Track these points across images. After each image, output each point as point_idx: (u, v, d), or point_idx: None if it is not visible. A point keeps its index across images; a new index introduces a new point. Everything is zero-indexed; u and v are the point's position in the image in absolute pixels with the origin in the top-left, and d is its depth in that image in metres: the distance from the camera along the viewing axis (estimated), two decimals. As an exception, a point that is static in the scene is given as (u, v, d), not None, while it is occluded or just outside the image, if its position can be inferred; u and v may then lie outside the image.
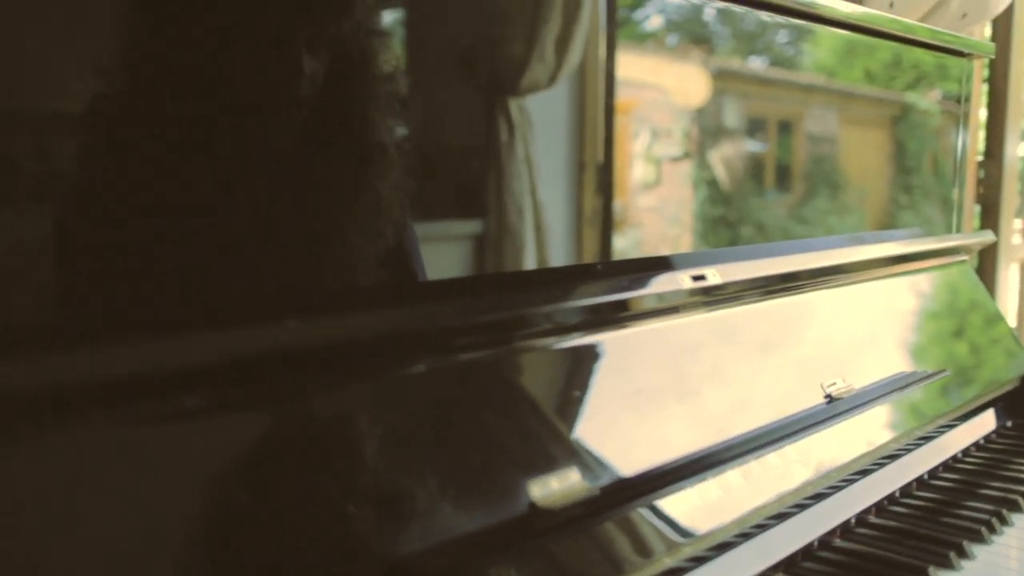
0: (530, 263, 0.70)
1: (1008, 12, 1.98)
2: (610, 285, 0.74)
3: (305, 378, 0.53)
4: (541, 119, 0.70)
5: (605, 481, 0.65)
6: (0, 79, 0.44)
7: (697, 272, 0.80)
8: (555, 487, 0.62)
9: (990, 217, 2.10)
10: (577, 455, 0.66)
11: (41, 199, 0.47)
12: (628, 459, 0.68)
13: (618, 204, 0.78)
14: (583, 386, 0.70)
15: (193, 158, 0.51)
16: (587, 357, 0.71)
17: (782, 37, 0.98)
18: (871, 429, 0.93)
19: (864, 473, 0.91)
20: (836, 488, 0.87)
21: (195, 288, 0.51)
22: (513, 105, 0.68)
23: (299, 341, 0.53)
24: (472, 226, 0.67)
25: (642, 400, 0.73)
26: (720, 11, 0.87)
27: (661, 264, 0.81)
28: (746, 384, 0.84)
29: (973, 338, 1.23)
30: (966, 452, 1.11)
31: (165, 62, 0.51)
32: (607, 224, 0.77)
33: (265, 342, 0.52)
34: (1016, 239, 2.30)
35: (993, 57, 1.37)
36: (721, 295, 0.85)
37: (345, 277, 0.59)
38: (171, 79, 0.51)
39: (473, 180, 0.67)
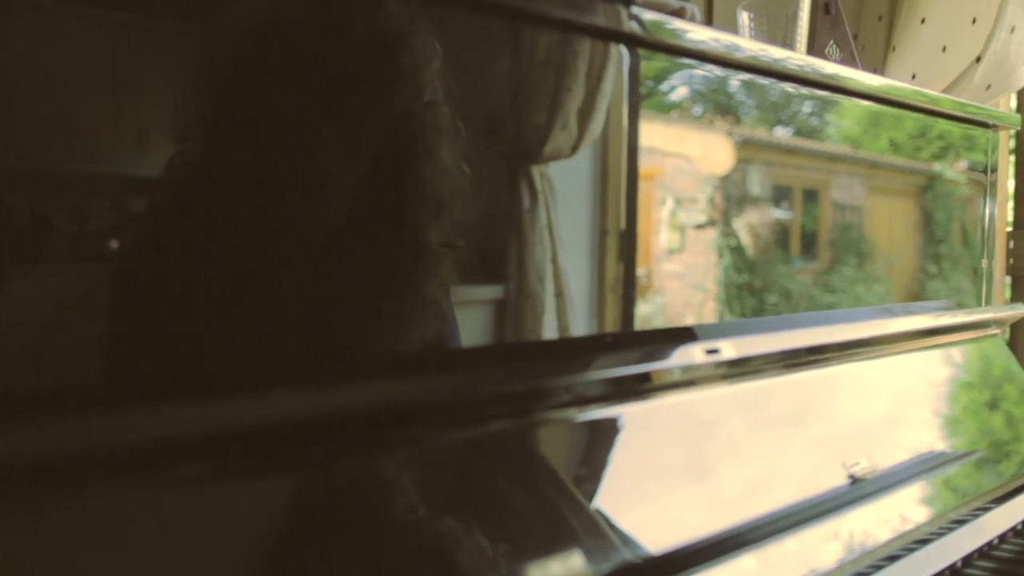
0: (550, 330, 0.68)
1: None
2: (622, 358, 0.71)
3: (314, 450, 0.52)
4: (564, 186, 0.69)
5: (610, 567, 0.61)
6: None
7: (711, 346, 0.76)
8: (554, 572, 0.58)
9: (1021, 288, 2.03)
10: (583, 537, 0.61)
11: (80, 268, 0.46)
12: (635, 542, 0.64)
13: (640, 271, 0.75)
14: (588, 463, 0.66)
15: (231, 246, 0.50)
16: (596, 432, 0.68)
17: (808, 107, 0.95)
18: (898, 512, 0.87)
19: (892, 559, 0.84)
20: (862, 575, 0.80)
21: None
22: (536, 173, 0.67)
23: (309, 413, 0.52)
24: (494, 291, 0.65)
25: (652, 478, 0.69)
26: (745, 82, 0.84)
27: (674, 336, 0.77)
28: (764, 463, 0.78)
29: (1007, 415, 1.17)
30: (1003, 537, 1.03)
31: (209, 149, 0.50)
32: (628, 291, 0.74)
33: (298, 412, 0.51)
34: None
35: (1020, 128, 1.35)
36: (739, 369, 0.81)
37: (381, 347, 0.58)
38: (216, 164, 0.50)
39: (496, 246, 0.66)
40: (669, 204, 0.79)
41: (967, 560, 0.95)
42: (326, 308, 0.55)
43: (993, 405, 1.16)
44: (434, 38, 0.59)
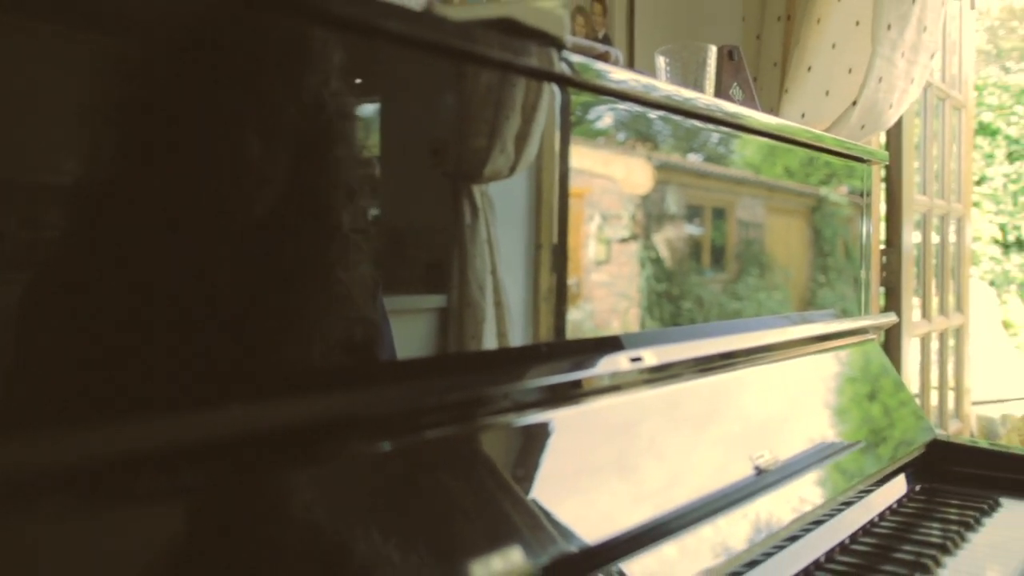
0: (490, 336, 0.68)
1: (898, 125, 2.06)
2: (555, 367, 0.72)
3: (258, 461, 0.49)
4: (502, 204, 0.70)
5: (547, 559, 0.62)
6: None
7: (635, 354, 0.78)
8: (498, 567, 0.58)
9: (893, 298, 2.13)
10: (519, 534, 0.62)
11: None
12: (569, 536, 0.65)
13: (571, 281, 0.77)
14: (524, 465, 0.67)
15: (151, 241, 0.48)
16: (527, 436, 0.68)
17: (714, 138, 0.99)
18: (797, 497, 0.90)
19: (793, 539, 0.87)
20: (768, 555, 0.83)
21: (156, 371, 0.47)
22: (477, 192, 0.68)
23: (251, 423, 0.49)
24: (438, 300, 0.66)
25: (583, 477, 0.70)
26: (660, 116, 0.88)
27: (602, 345, 0.79)
28: (682, 458, 0.81)
29: (885, 410, 1.22)
30: (882, 516, 1.07)
31: (125, 147, 0.47)
32: (560, 300, 0.75)
33: (224, 425, 0.47)
34: (916, 316, 2.34)
35: (887, 163, 1.43)
36: (660, 374, 0.83)
37: (311, 359, 0.56)
38: (133, 163, 0.47)
39: (440, 259, 0.66)
40: (596, 221, 0.81)
41: (854, 537, 0.99)
42: (240, 312, 0.52)
43: (873, 398, 1.21)
44: (371, 62, 0.60)
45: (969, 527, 1.05)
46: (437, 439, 0.61)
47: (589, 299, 0.79)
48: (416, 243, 0.65)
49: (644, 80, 0.85)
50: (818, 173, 1.23)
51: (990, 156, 7.87)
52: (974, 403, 2.96)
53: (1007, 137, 8.03)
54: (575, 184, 0.77)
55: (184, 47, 0.49)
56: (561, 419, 0.71)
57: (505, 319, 0.69)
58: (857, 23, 1.73)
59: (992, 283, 7.50)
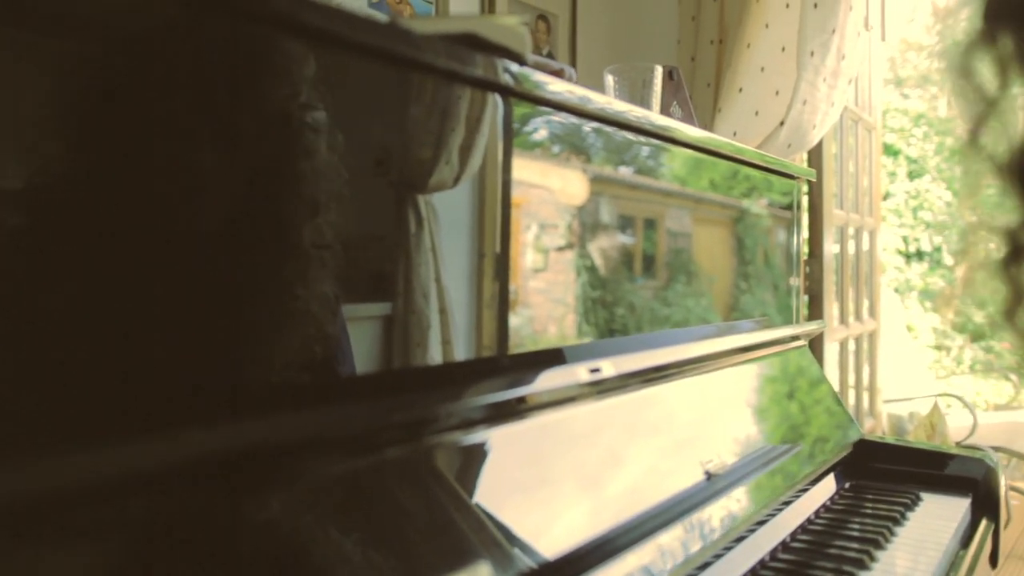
0: (435, 343, 0.65)
1: (819, 144, 2.08)
2: (502, 382, 0.68)
3: (208, 485, 0.44)
4: (446, 213, 0.67)
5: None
6: None
7: (590, 365, 0.76)
8: None
9: (815, 305, 2.15)
10: (480, 550, 0.58)
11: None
12: (529, 551, 0.61)
13: (512, 289, 0.74)
14: (477, 482, 0.63)
15: (92, 254, 0.42)
16: (476, 451, 0.64)
17: (658, 152, 0.96)
18: (745, 500, 0.88)
19: (740, 540, 0.85)
20: (718, 556, 0.81)
21: (97, 395, 0.41)
22: (422, 201, 0.65)
23: (194, 449, 0.44)
24: (383, 308, 0.62)
25: (539, 491, 0.66)
26: (598, 128, 0.85)
27: (548, 358, 0.76)
28: (635, 468, 0.78)
29: (817, 413, 1.22)
30: (817, 513, 1.07)
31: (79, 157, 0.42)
32: (503, 307, 0.72)
33: (173, 448, 0.42)
34: (835, 323, 2.36)
35: (812, 180, 1.43)
36: (613, 385, 0.80)
37: (266, 377, 0.50)
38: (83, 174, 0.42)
39: (386, 267, 0.63)
40: (537, 229, 0.78)
41: (793, 535, 0.98)
42: (187, 329, 0.47)
43: (806, 402, 1.21)
44: (323, 68, 0.55)
45: (896, 522, 1.05)
46: (388, 459, 0.56)
47: (528, 305, 0.76)
48: (363, 252, 0.61)
49: (580, 92, 0.81)
50: (754, 189, 1.21)
51: (893, 174, 8.16)
52: (885, 401, 3.02)
53: (907, 157, 8.35)
54: (517, 194, 0.74)
55: (131, 54, 0.44)
56: (510, 433, 0.67)
57: (449, 327, 0.66)
58: (783, 49, 1.73)
59: (896, 290, 7.75)
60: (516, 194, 0.73)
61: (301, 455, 0.50)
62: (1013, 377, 6.98)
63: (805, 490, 1.06)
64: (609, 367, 0.78)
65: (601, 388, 0.79)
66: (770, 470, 0.97)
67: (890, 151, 8.07)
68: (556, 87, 0.76)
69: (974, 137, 0.29)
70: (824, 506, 1.09)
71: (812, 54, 1.65)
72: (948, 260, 7.98)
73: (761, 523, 0.91)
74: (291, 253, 0.53)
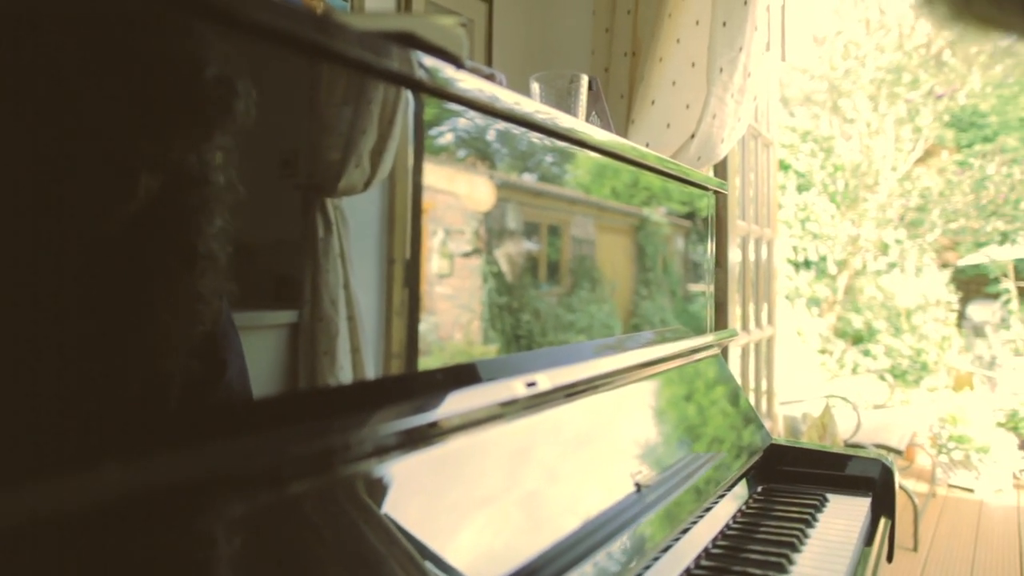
0: (343, 350, 0.61)
1: (724, 159, 2.11)
2: (413, 405, 0.63)
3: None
4: (355, 218, 0.62)
5: None
6: None
7: (518, 379, 0.72)
8: None
9: (721, 313, 2.17)
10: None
11: None
12: None
13: (423, 295, 0.69)
14: (395, 509, 0.57)
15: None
16: (394, 476, 0.59)
17: (579, 161, 0.92)
18: (671, 509, 0.86)
19: (666, 550, 0.83)
20: (647, 567, 0.79)
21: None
22: (331, 205, 0.61)
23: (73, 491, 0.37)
24: (289, 316, 0.57)
25: (466, 513, 0.61)
26: (502, 133, 0.80)
27: (469, 374, 0.71)
28: (565, 484, 0.74)
29: (733, 419, 1.21)
30: (734, 518, 1.07)
31: None
32: (413, 313, 0.68)
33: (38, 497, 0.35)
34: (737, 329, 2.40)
35: (725, 192, 1.44)
36: (538, 401, 0.77)
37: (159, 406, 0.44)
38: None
39: (292, 273, 0.58)
40: (448, 235, 0.73)
41: (714, 542, 0.97)
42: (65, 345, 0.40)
43: (722, 409, 1.20)
44: (230, 65, 0.49)
45: (808, 523, 1.06)
46: (299, 493, 0.51)
47: (436, 311, 0.71)
48: (267, 258, 0.56)
49: (489, 89, 0.77)
50: (673, 200, 1.20)
51: (783, 187, 8.54)
52: (781, 404, 3.12)
53: (796, 172, 8.77)
54: (429, 199, 0.69)
55: (13, 43, 0.37)
56: (423, 457, 0.62)
57: (358, 334, 0.62)
58: (693, 64, 1.74)
59: (787, 297, 8.11)
60: (428, 199, 0.69)
61: (193, 496, 0.43)
62: (888, 378, 7.42)
63: (723, 495, 1.05)
64: (539, 380, 0.75)
65: (526, 403, 0.75)
66: (696, 477, 0.96)
67: (781, 165, 8.47)
68: (466, 83, 0.71)
69: None
70: (740, 511, 1.10)
71: (721, 70, 1.67)
72: (832, 269, 8.43)
73: (685, 531, 0.90)
74: (182, 260, 0.47)
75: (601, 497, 0.77)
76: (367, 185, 0.64)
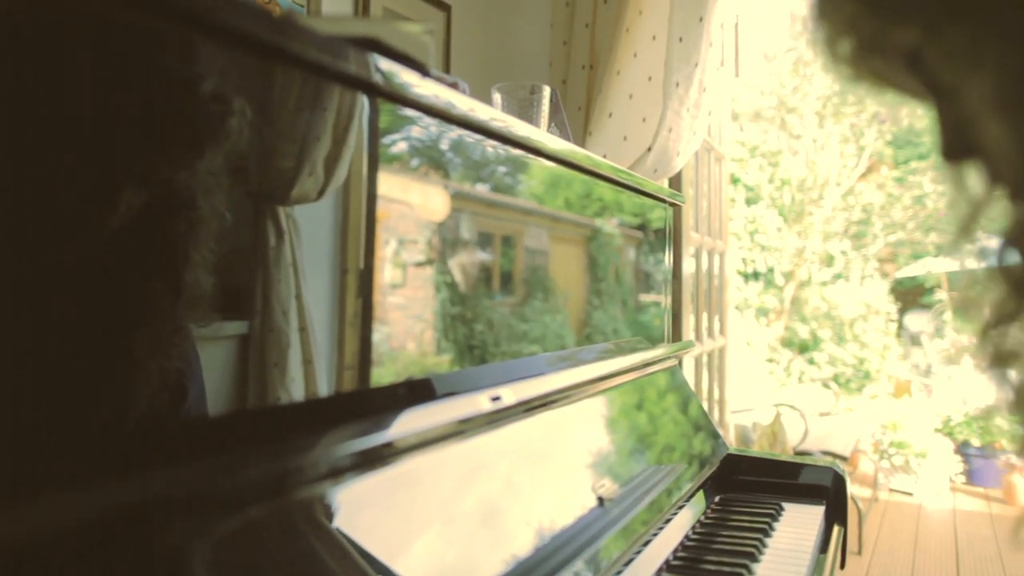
0: (295, 362, 0.58)
1: (679, 171, 2.12)
2: (368, 424, 0.60)
3: None
4: (308, 227, 0.60)
5: None
6: None
7: (493, 393, 0.70)
8: None
9: (676, 325, 2.18)
10: None
11: None
12: None
13: (377, 306, 0.67)
14: (344, 533, 0.54)
15: None
16: (348, 499, 0.56)
17: (542, 171, 0.90)
18: (633, 523, 0.84)
19: (629, 563, 0.81)
20: None
21: None
22: (283, 214, 0.58)
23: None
24: (239, 327, 0.55)
25: (431, 534, 0.59)
26: (456, 143, 0.78)
27: (424, 388, 0.69)
28: (527, 501, 0.72)
29: (690, 430, 1.21)
30: (694, 529, 1.06)
31: None
32: (367, 323, 0.66)
33: None
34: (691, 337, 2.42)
35: (683, 205, 1.44)
36: (505, 414, 0.75)
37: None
38: None
39: (242, 283, 0.56)
40: (404, 245, 0.71)
41: (675, 553, 0.97)
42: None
43: (680, 420, 1.20)
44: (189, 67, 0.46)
45: (766, 533, 1.06)
46: (254, 519, 0.47)
47: (392, 323, 0.69)
48: (217, 267, 0.53)
49: (444, 95, 0.75)
50: (633, 212, 1.19)
51: (733, 200, 8.72)
52: (732, 412, 3.15)
53: (745, 185, 8.97)
54: (384, 208, 0.67)
55: None
56: (392, 472, 0.59)
57: (310, 345, 0.60)
58: (650, 78, 1.75)
59: (737, 307, 8.26)
60: (383, 208, 0.66)
61: (139, 525, 0.40)
62: (832, 385, 7.61)
63: (682, 506, 1.04)
64: (503, 395, 0.73)
65: (487, 419, 0.73)
66: (657, 489, 0.95)
67: (731, 179, 8.64)
68: (422, 88, 0.69)
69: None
70: (699, 521, 1.10)
71: (677, 85, 1.68)
72: (780, 280, 8.62)
73: (647, 543, 0.89)
74: (128, 269, 0.44)
75: (564, 513, 0.75)
76: (321, 193, 0.62)
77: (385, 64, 0.62)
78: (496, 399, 0.70)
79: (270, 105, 0.57)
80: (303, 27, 0.55)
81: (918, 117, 9.81)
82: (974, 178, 0.28)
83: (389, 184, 0.67)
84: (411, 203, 0.71)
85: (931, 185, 8.97)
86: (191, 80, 0.47)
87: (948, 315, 8.84)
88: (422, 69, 0.64)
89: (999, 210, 0.28)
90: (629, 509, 0.86)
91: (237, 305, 0.56)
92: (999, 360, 0.30)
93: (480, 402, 0.69)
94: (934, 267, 8.79)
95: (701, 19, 1.67)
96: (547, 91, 1.06)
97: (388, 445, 0.60)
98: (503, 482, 0.70)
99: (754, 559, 0.96)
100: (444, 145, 0.75)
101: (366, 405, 0.62)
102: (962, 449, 4.33)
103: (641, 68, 1.74)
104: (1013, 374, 0.30)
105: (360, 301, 0.66)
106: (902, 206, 8.91)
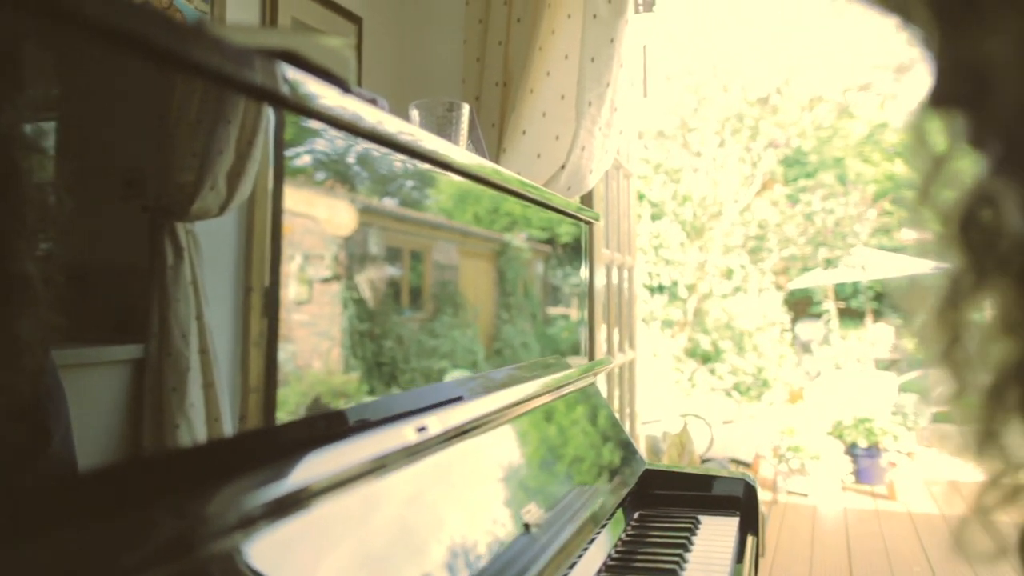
0: (195, 386, 0.55)
1: (591, 190, 2.15)
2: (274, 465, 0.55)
3: None
4: (209, 244, 0.56)
5: None
6: None
7: (419, 423, 0.67)
8: None
9: (592, 340, 2.20)
10: None
11: None
12: None
13: (283, 326, 0.63)
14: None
15: None
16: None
17: (414, 182, 0.87)
18: (559, 544, 0.83)
19: None
20: None
21: None
22: (182, 230, 0.55)
23: None
24: (133, 351, 0.51)
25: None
26: (364, 157, 0.75)
27: (337, 420, 0.65)
28: (448, 532, 0.68)
29: (611, 448, 1.21)
30: (615, 547, 1.06)
31: None
32: (272, 344, 0.62)
33: None
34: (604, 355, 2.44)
35: (598, 223, 1.45)
36: (426, 445, 0.71)
37: None
38: None
39: (137, 303, 0.52)
40: (312, 261, 0.67)
41: (599, 571, 0.96)
42: None
43: (600, 438, 1.20)
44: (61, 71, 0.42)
45: (685, 548, 1.07)
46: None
47: (301, 342, 0.65)
48: (107, 286, 0.51)
49: (352, 106, 0.72)
50: (501, 220, 1.16)
51: (639, 216, 9.00)
52: (642, 424, 3.21)
53: (650, 201, 9.26)
54: (291, 224, 0.63)
55: None
56: (305, 517, 0.54)
57: (212, 368, 0.57)
58: (563, 97, 1.76)
59: (643, 320, 8.49)
60: (289, 222, 0.63)
61: None
62: (734, 394, 7.93)
63: (604, 524, 1.03)
64: (430, 424, 0.70)
65: (412, 450, 0.69)
66: (581, 510, 0.93)
67: (638, 196, 8.89)
68: (328, 100, 0.65)
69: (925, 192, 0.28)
70: (620, 539, 1.10)
71: (590, 104, 1.70)
72: (683, 293, 8.93)
73: (572, 565, 0.87)
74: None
75: (491, 542, 0.73)
76: (223, 208, 0.58)
77: (292, 74, 0.58)
78: (422, 429, 0.67)
79: (168, 115, 0.53)
80: (204, 34, 0.51)
81: (803, 137, 10.45)
82: (941, 133, 0.27)
83: (296, 199, 0.64)
84: (318, 218, 0.68)
85: (819, 203, 9.55)
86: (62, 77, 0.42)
87: (834, 323, 9.38)
88: (343, 85, 0.62)
89: (965, 168, 0.27)
90: (556, 534, 0.84)
91: (131, 327, 0.51)
92: (953, 350, 0.28)
93: (405, 434, 0.66)
94: (822, 279, 9.35)
95: (612, 40, 1.69)
96: (466, 108, 1.04)
97: (304, 489, 0.56)
98: (425, 517, 0.67)
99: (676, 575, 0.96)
100: (352, 159, 0.72)
101: (277, 443, 0.58)
102: (851, 450, 4.58)
103: (554, 87, 1.75)
104: (968, 366, 0.28)
105: (266, 321, 0.62)
106: (794, 223, 9.44)
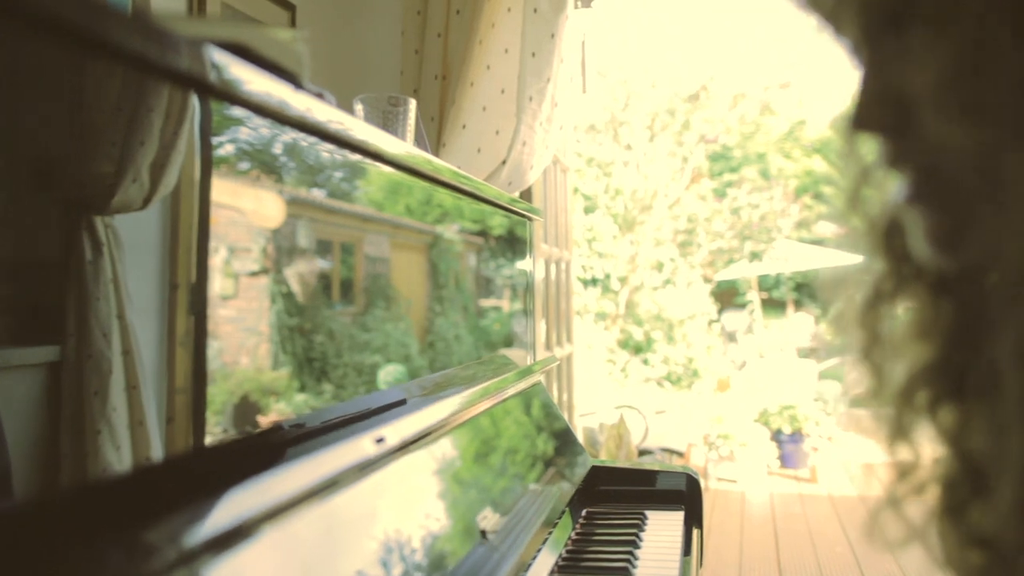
0: (117, 388, 0.52)
1: (531, 186, 2.13)
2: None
3: None
4: (132, 239, 0.53)
5: None
6: None
7: (376, 435, 0.64)
8: None
9: (534, 337, 2.18)
10: None
11: None
12: None
13: (211, 324, 0.59)
14: None
15: None
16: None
17: (345, 174, 0.83)
18: (517, 550, 0.81)
19: None
20: None
21: None
22: (100, 223, 0.51)
23: None
24: (48, 353, 0.48)
25: None
26: (290, 146, 0.71)
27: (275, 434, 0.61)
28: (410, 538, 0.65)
29: (559, 447, 1.20)
30: (566, 547, 1.05)
31: None
32: (200, 343, 0.58)
33: None
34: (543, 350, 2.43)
35: (541, 219, 1.44)
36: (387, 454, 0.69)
37: None
38: None
39: (49, 303, 0.49)
40: (241, 255, 0.63)
41: (551, 572, 0.95)
42: None
43: (547, 437, 1.19)
44: None
45: (635, 545, 1.06)
46: None
47: (228, 338, 0.61)
48: (16, 284, 0.47)
49: (277, 92, 0.67)
50: (433, 212, 1.12)
51: (574, 210, 9.08)
52: (580, 416, 3.23)
53: (583, 195, 9.36)
54: (219, 217, 0.59)
55: None
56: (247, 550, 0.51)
57: (136, 369, 0.53)
58: (503, 91, 1.74)
59: (577, 313, 8.58)
60: (217, 215, 0.59)
61: None
62: (666, 384, 8.11)
63: (556, 523, 1.02)
64: (387, 435, 0.67)
65: (367, 463, 0.66)
66: (534, 513, 0.92)
67: (573, 190, 8.96)
68: (256, 85, 0.61)
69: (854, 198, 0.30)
70: (570, 538, 1.09)
71: (531, 99, 1.68)
72: (616, 285, 9.07)
73: (528, 566, 0.86)
74: None
75: (451, 553, 0.70)
76: (147, 201, 0.54)
77: (219, 59, 0.54)
78: (380, 440, 0.63)
79: (83, 101, 0.48)
80: (118, 14, 0.46)
81: (727, 132, 10.75)
82: (867, 148, 0.28)
83: (223, 190, 0.60)
84: (246, 210, 0.63)
85: (745, 197, 9.85)
86: None
87: (758, 313, 9.71)
88: (295, 80, 0.58)
89: (887, 181, 0.28)
90: (513, 538, 0.82)
91: (45, 327, 0.48)
92: (871, 350, 0.30)
93: (360, 447, 0.62)
94: (747, 271, 9.65)
95: (553, 35, 1.68)
96: (412, 103, 1.00)
97: (239, 521, 0.52)
98: (379, 532, 0.64)
99: (628, 574, 0.96)
100: (280, 148, 0.68)
101: (210, 467, 0.53)
102: (776, 436, 4.74)
103: (494, 81, 1.72)
104: (886, 360, 0.30)
105: (192, 319, 0.59)
106: (722, 218, 9.70)
